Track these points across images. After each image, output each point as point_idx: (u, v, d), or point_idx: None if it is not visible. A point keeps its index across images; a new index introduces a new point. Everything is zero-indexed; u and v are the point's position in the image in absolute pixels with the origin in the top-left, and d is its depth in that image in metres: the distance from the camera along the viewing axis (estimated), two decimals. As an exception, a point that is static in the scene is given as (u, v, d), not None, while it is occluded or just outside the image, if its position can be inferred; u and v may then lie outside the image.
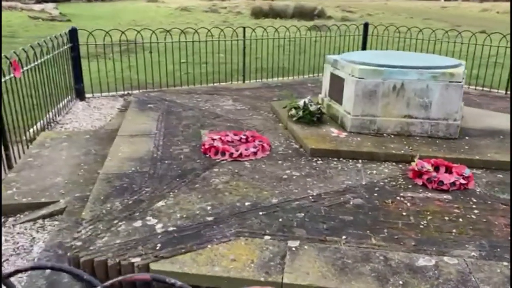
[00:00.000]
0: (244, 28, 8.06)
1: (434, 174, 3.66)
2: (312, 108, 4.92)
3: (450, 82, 4.42)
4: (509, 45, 7.02)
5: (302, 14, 25.48)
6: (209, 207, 3.26)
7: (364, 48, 9.32)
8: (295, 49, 8.74)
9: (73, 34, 6.66)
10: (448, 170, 3.81)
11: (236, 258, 2.66)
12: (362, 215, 3.18)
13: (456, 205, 3.35)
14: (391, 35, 8.86)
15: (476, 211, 3.27)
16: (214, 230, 2.95)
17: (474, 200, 3.43)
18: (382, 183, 3.70)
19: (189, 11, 29.36)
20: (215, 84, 7.73)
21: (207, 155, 4.26)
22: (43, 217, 3.73)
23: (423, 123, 4.55)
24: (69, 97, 6.72)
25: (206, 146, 4.30)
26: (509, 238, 2.91)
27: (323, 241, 2.84)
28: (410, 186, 3.66)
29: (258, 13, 25.83)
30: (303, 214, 3.17)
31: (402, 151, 4.16)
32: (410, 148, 4.25)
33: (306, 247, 2.77)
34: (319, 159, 4.19)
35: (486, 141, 4.47)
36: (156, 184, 3.64)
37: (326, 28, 9.18)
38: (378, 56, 5.03)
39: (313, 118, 4.91)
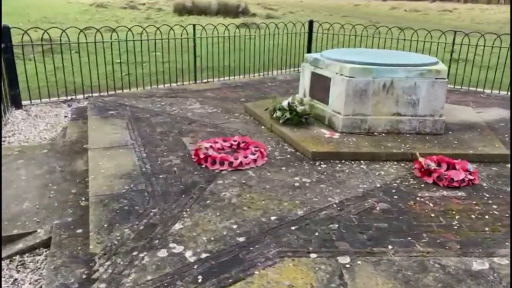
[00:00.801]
0: (194, 25, 7.65)
1: (444, 172, 3.68)
2: (299, 109, 4.74)
3: (436, 79, 4.50)
4: (442, 40, 7.44)
5: (227, 11, 25.23)
6: (234, 226, 2.94)
7: (309, 46, 9.35)
8: (235, 47, 8.38)
9: (4, 32, 5.80)
10: (451, 167, 3.86)
11: (292, 284, 2.39)
12: (394, 220, 3.07)
13: (474, 202, 3.38)
14: (336, 33, 8.97)
15: (494, 206, 3.32)
16: (252, 252, 2.65)
17: (487, 195, 3.50)
18: (395, 184, 3.64)
19: (105, 8, 27.70)
20: (172, 85, 7.25)
21: (203, 166, 3.89)
22: (22, 252, 3.15)
23: (411, 120, 4.59)
24: (3, 105, 5.85)
25: (201, 156, 3.93)
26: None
27: (371, 254, 2.68)
28: (422, 185, 3.64)
29: (181, 10, 25.10)
30: (336, 225, 2.98)
31: (402, 150, 4.15)
32: (407, 146, 4.26)
33: (359, 262, 2.59)
34: (321, 162, 4.03)
35: (468, 135, 4.63)
36: (161, 204, 3.22)
37: (255, 26, 8.96)
38: (359, 55, 4.99)
39: (301, 119, 4.74)
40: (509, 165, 4.11)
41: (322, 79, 4.86)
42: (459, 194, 3.51)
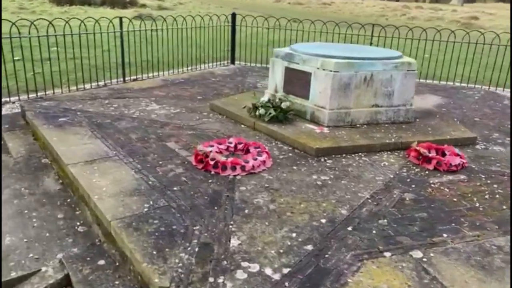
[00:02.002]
0: (121, 18, 6.98)
1: (443, 158, 3.95)
2: (283, 105, 4.66)
3: (408, 70, 4.78)
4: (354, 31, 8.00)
5: (113, 1, 23.65)
6: (292, 234, 2.78)
7: (233, 39, 9.23)
8: (146, 41, 7.82)
9: None
10: (440, 152, 4.15)
11: (390, 286, 2.36)
12: (429, 209, 3.20)
13: (478, 183, 3.69)
14: (260, 25, 8.97)
15: (494, 186, 3.67)
16: (330, 260, 2.54)
17: (483, 176, 3.84)
18: (404, 174, 3.79)
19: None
20: (107, 84, 6.55)
21: (211, 172, 3.61)
22: (36, 299, 2.62)
23: (388, 111, 4.83)
24: None
25: (210, 162, 3.64)
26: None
27: (434, 244, 2.76)
28: (426, 172, 3.86)
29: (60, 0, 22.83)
30: (385, 221, 3.00)
31: (393, 140, 4.34)
32: (394, 135, 4.47)
33: (431, 254, 2.65)
34: (326, 158, 4.02)
35: (434, 121, 5.03)
36: (197, 218, 2.91)
37: (150, 19, 8.40)
38: (333, 49, 5.08)
39: (286, 115, 4.67)
40: (478, 146, 4.58)
41: (299, 74, 4.83)
42: (461, 177, 3.80)
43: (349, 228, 2.89)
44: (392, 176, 3.73)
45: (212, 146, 4.02)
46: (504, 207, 3.31)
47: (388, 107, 4.81)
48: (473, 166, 4.05)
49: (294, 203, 3.18)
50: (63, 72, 6.51)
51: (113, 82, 6.74)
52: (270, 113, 4.63)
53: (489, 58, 7.68)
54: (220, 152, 4.00)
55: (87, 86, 6.44)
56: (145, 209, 3.00)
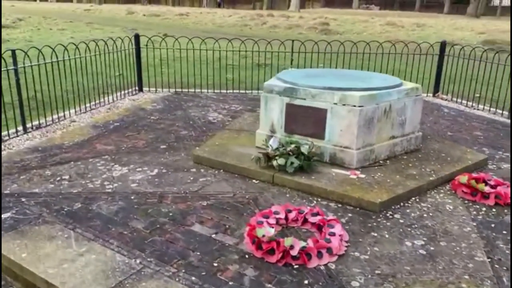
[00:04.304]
0: (13, 51, 5.26)
1: (496, 190, 3.68)
2: (304, 149, 3.89)
3: (416, 96, 4.46)
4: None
5: None
6: None
7: (139, 62, 7.96)
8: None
9: None
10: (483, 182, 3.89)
11: None
12: None
13: None
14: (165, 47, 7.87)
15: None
16: None
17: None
18: (480, 218, 3.39)
19: None
20: (8, 142, 4.83)
21: (293, 265, 2.69)
22: None
23: (402, 141, 4.43)
24: None
25: (291, 252, 2.70)
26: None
27: None
28: (493, 210, 3.54)
29: None
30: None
31: (434, 176, 3.93)
32: (427, 169, 4.07)
33: None
34: (390, 212, 3.42)
35: (437, 145, 4.76)
36: None
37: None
38: (330, 78, 4.48)
39: (310, 162, 3.91)
40: (491, 167, 4.49)
41: (309, 111, 4.12)
42: (525, 209, 3.59)
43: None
44: (474, 224, 3.30)
45: (260, 222, 3.07)
46: None
47: (402, 137, 4.42)
48: (518, 192, 3.90)
49: (424, 283, 2.51)
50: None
51: (12, 134, 5.02)
52: (292, 163, 3.82)
53: (401, 66, 7.97)
54: (272, 227, 3.07)
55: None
56: None
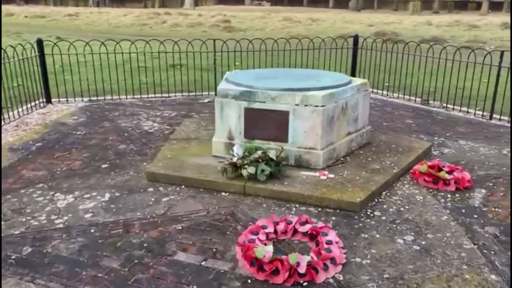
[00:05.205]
0: None
1: (453, 176, 3.87)
2: (272, 154, 3.72)
3: (365, 91, 4.52)
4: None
5: None
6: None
7: (44, 71, 7.11)
8: None
9: None
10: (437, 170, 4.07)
11: None
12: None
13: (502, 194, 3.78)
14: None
15: None
16: None
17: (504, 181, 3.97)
18: (450, 205, 3.53)
19: None
20: None
21: (301, 283, 2.52)
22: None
23: (357, 136, 4.47)
24: None
25: (299, 269, 2.51)
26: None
27: None
28: (457, 195, 3.71)
29: None
30: (530, 270, 2.69)
31: (396, 169, 4.01)
32: (387, 163, 4.15)
33: None
34: (369, 210, 3.40)
35: (385, 136, 4.92)
36: None
37: None
38: (293, 79, 4.35)
39: (280, 168, 3.74)
40: (434, 152, 4.74)
41: (270, 114, 3.95)
42: (483, 191, 3.82)
43: (531, 297, 2.46)
44: (448, 212, 3.43)
45: (252, 240, 2.84)
46: (550, 212, 3.47)
47: (356, 132, 4.47)
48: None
49: (431, 280, 2.52)
50: None
51: None
52: (263, 170, 3.63)
53: (318, 61, 8.20)
54: (265, 244, 2.87)
55: None
56: None
